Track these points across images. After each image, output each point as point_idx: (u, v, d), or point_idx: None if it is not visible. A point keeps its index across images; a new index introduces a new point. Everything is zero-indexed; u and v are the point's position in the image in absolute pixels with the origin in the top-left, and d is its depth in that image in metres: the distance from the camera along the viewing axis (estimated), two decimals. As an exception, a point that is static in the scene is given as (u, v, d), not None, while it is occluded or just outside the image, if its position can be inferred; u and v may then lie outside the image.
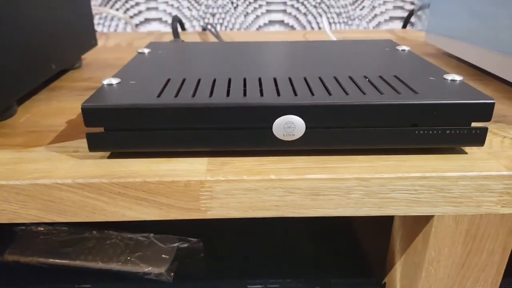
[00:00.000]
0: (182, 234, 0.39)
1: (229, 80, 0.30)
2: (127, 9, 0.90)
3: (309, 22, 1.00)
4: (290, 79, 0.30)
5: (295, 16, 0.99)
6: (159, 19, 0.93)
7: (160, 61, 0.36)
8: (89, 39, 0.49)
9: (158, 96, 0.27)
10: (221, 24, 0.96)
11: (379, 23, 0.99)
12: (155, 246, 0.37)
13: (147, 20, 0.92)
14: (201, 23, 0.93)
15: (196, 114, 0.26)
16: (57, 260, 0.36)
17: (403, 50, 0.39)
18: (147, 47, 0.41)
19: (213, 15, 0.96)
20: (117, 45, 0.63)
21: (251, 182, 0.25)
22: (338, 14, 1.00)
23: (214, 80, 0.30)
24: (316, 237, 0.40)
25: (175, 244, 0.38)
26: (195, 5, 0.94)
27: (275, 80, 0.30)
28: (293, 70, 0.33)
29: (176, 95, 0.27)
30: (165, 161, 0.27)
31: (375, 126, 0.26)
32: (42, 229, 0.39)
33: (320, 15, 0.99)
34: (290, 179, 0.25)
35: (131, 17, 0.91)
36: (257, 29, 0.97)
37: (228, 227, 0.42)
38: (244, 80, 0.30)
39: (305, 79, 0.30)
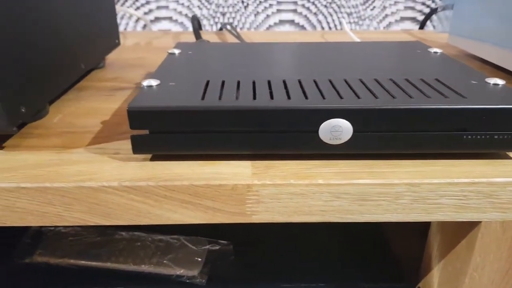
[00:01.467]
0: (209, 236, 0.39)
1: (269, 82, 0.30)
2: (138, 8, 0.90)
3: (320, 22, 0.99)
4: (330, 81, 0.30)
5: (305, 16, 0.98)
6: (169, 18, 0.93)
7: (192, 62, 0.36)
8: (113, 38, 0.49)
9: (203, 98, 0.27)
10: (230, 24, 0.95)
11: (389, 24, 0.99)
12: (186, 248, 0.37)
13: (157, 19, 0.92)
14: (211, 22, 0.93)
15: (241, 117, 0.26)
16: (88, 262, 0.36)
17: (436, 53, 0.39)
18: (176, 47, 0.40)
19: (223, 14, 0.96)
20: (136, 45, 0.62)
21: (299, 186, 0.25)
22: (349, 14, 1.00)
23: (254, 82, 0.30)
24: (347, 240, 0.40)
25: (206, 247, 0.37)
26: (206, 4, 0.94)
27: (315, 82, 0.30)
28: (330, 72, 0.32)
29: (220, 98, 0.27)
30: (208, 164, 0.27)
31: (423, 130, 0.26)
32: (70, 230, 0.39)
33: (331, 15, 0.99)
34: (339, 184, 0.25)
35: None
36: (267, 28, 0.97)
37: (255, 229, 0.41)
38: (284, 82, 0.30)
39: (345, 81, 0.30)
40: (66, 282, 0.35)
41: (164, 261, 0.35)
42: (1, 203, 0.25)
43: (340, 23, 0.96)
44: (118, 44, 0.51)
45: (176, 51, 0.39)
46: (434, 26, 0.90)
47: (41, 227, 0.40)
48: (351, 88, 0.29)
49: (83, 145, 0.30)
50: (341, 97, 0.27)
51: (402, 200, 0.26)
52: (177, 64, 0.35)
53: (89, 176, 0.25)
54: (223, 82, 0.30)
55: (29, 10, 0.30)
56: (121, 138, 0.31)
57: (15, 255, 0.38)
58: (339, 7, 0.99)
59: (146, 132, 0.26)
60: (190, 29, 0.90)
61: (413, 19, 0.96)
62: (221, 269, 0.36)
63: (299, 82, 0.30)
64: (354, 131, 0.26)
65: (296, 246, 0.40)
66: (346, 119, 0.25)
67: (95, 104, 0.37)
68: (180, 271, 0.35)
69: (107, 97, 0.39)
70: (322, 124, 0.26)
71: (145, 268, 0.35)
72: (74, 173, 0.26)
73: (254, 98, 0.27)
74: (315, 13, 0.98)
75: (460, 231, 0.30)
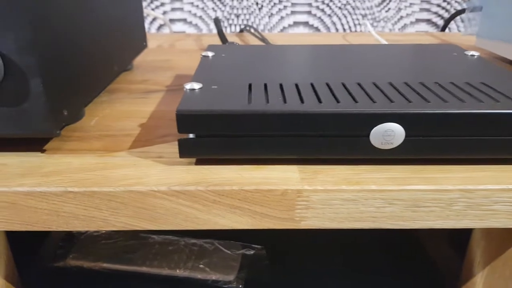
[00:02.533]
0: (239, 239, 0.39)
1: (312, 85, 0.29)
2: (152, 10, 0.90)
3: (334, 24, 0.99)
4: (375, 84, 0.29)
5: (320, 18, 0.98)
6: (184, 20, 0.93)
7: (228, 64, 0.35)
8: (141, 40, 0.48)
9: (249, 102, 0.26)
10: (251, 26, 0.95)
11: (404, 25, 0.98)
12: (221, 253, 0.36)
13: (171, 21, 0.92)
14: (225, 24, 0.93)
15: (290, 121, 0.25)
16: (122, 266, 0.35)
17: (473, 55, 0.38)
18: (208, 50, 0.40)
19: (238, 16, 0.95)
20: (159, 47, 0.62)
21: (351, 192, 0.25)
22: (364, 16, 0.99)
23: (296, 85, 0.29)
24: (382, 247, 0.39)
25: (240, 251, 0.37)
26: (220, 6, 0.94)
27: (359, 85, 0.29)
28: (372, 74, 0.32)
29: (267, 101, 0.26)
30: (254, 168, 0.26)
31: (475, 135, 0.26)
32: (102, 233, 0.39)
33: (345, 17, 0.98)
34: (392, 190, 0.25)
35: (154, 18, 0.91)
36: (281, 30, 0.96)
37: (286, 232, 0.41)
38: (327, 84, 0.29)
39: (391, 84, 0.29)
40: (100, 287, 0.35)
41: (200, 266, 0.35)
42: (48, 207, 0.25)
43: (361, 24, 0.95)
44: (146, 46, 0.50)
45: (210, 54, 0.38)
46: (450, 29, 0.89)
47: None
48: (398, 91, 0.28)
49: (125, 148, 0.29)
50: (391, 101, 0.26)
51: (456, 206, 0.25)
52: (214, 67, 0.34)
53: (136, 180, 0.25)
54: (265, 85, 0.29)
55: (72, 15, 0.29)
56: (162, 141, 0.30)
57: (46, 259, 0.37)
58: (353, 9, 0.98)
59: (193, 135, 0.26)
60: (204, 31, 0.90)
61: (428, 21, 0.95)
62: (256, 275, 0.36)
63: (343, 85, 0.29)
64: (406, 135, 0.25)
65: (330, 251, 0.39)
66: (399, 124, 0.25)
67: (130, 106, 0.37)
68: (216, 276, 0.34)
69: (140, 100, 0.39)
70: (374, 129, 0.25)
71: (180, 272, 0.35)
72: (121, 177, 0.25)
73: (302, 101, 0.26)
74: (329, 15, 0.97)
75: (509, 237, 0.29)
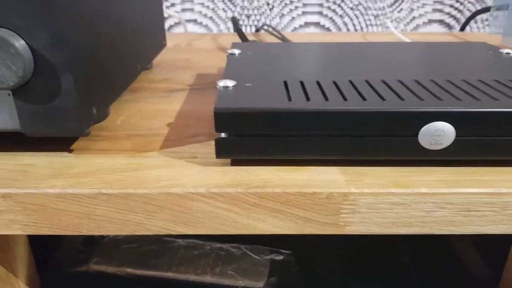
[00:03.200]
0: (264, 244, 0.37)
1: (351, 82, 0.28)
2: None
3: (345, 24, 0.97)
4: (417, 82, 0.28)
5: (331, 18, 0.96)
6: (194, 21, 0.91)
7: (257, 62, 0.34)
8: (161, 39, 0.47)
9: (289, 100, 0.25)
10: (255, 26, 0.94)
11: (417, 26, 0.97)
12: (249, 258, 0.35)
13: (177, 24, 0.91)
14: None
15: (334, 120, 0.24)
16: (148, 272, 0.34)
17: (508, 53, 0.37)
18: (234, 48, 0.39)
19: (248, 16, 0.94)
20: (176, 46, 0.61)
21: (400, 195, 0.23)
22: (376, 16, 0.97)
23: (335, 82, 0.28)
24: (415, 253, 0.38)
25: (269, 256, 0.35)
26: (231, 6, 0.92)
27: (401, 82, 0.28)
28: (410, 72, 0.30)
29: (308, 99, 0.25)
30: (293, 169, 0.25)
31: (530, 135, 0.24)
32: (125, 237, 0.38)
33: (357, 17, 0.97)
34: (443, 193, 0.23)
35: (165, 18, 0.90)
36: (292, 30, 0.95)
37: (311, 237, 0.40)
38: (367, 82, 0.28)
39: (434, 81, 0.28)
40: (124, 292, 0.34)
41: (228, 271, 0.34)
42: (80, 210, 0.24)
43: (372, 25, 0.94)
44: (165, 45, 0.49)
45: (236, 51, 0.37)
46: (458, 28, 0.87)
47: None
48: (444, 89, 0.27)
49: (155, 148, 0.28)
50: (439, 99, 0.25)
51: (510, 210, 0.24)
52: (243, 64, 0.33)
53: (173, 181, 0.24)
54: (302, 83, 0.28)
55: (100, 11, 0.28)
56: (193, 141, 0.29)
57: (67, 263, 0.36)
58: (365, 9, 0.97)
59: (231, 135, 0.25)
60: (215, 31, 0.89)
61: (441, 22, 0.94)
62: (286, 281, 0.34)
63: (384, 82, 0.28)
64: (457, 135, 0.24)
65: (359, 256, 0.38)
66: (450, 123, 0.24)
67: (155, 105, 0.36)
68: (245, 282, 0.33)
69: (164, 99, 0.37)
70: (423, 128, 0.24)
71: (208, 278, 0.33)
72: (156, 179, 0.24)
73: (344, 99, 0.25)
74: (340, 16, 0.96)
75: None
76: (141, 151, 0.28)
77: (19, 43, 0.22)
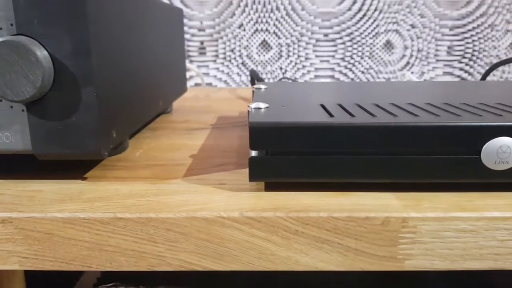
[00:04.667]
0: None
1: (394, 104, 0.26)
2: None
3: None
4: (466, 104, 0.26)
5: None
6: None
7: (287, 93, 0.32)
8: (182, 83, 0.46)
9: (331, 116, 0.22)
10: (288, 78, 0.94)
11: (430, 89, 0.96)
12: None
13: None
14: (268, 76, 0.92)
15: (384, 136, 0.21)
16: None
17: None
18: (260, 84, 0.37)
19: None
20: (194, 96, 0.60)
21: (469, 220, 0.20)
22: (387, 80, 0.98)
23: (377, 105, 0.26)
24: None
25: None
26: (244, 70, 0.94)
27: (449, 104, 0.25)
28: (455, 97, 0.28)
29: (352, 116, 0.22)
30: (339, 195, 0.22)
31: None
32: (135, 289, 0.33)
33: (368, 80, 0.97)
34: (519, 218, 0.20)
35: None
36: (305, 94, 0.95)
37: (329, 278, 0.35)
38: (412, 104, 0.26)
39: (483, 103, 0.26)
40: None
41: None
42: (90, 238, 0.20)
43: (388, 79, 0.94)
44: (186, 90, 0.48)
45: (262, 87, 0.35)
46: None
47: (97, 285, 0.35)
48: (499, 108, 0.24)
49: (178, 176, 0.25)
50: (498, 115, 0.22)
51: None
52: (272, 95, 0.31)
53: (200, 206, 0.21)
54: (340, 105, 0.26)
55: (128, 34, 0.27)
56: (220, 170, 0.26)
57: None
58: (376, 73, 0.97)
59: (267, 153, 0.22)
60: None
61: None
62: None
63: (430, 104, 0.26)
64: (525, 153, 0.21)
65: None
66: (516, 138, 0.21)
67: (176, 141, 0.33)
68: None
69: (186, 136, 0.35)
70: (486, 144, 0.21)
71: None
72: (181, 203, 0.21)
73: (394, 115, 0.22)
74: (352, 79, 0.97)
75: None
76: (163, 178, 0.25)
77: (41, 52, 0.21)
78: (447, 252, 0.20)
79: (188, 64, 0.71)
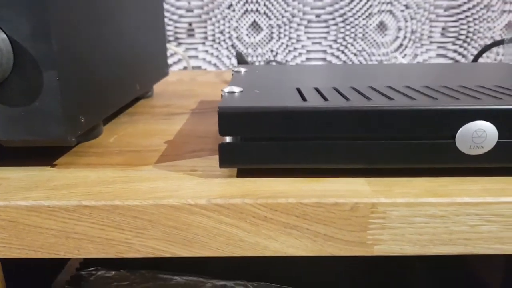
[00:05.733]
0: (275, 281, 0.33)
1: (372, 88, 0.25)
2: (171, 55, 0.88)
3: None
4: (446, 87, 0.25)
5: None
6: (198, 67, 0.91)
7: (265, 76, 0.31)
8: (163, 67, 0.45)
9: (304, 100, 0.22)
10: (276, 60, 0.93)
11: (422, 71, 0.96)
12: (256, 298, 0.30)
13: (185, 69, 0.90)
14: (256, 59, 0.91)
15: (357, 120, 0.21)
16: (139, 314, 0.29)
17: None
18: (240, 67, 0.36)
19: (252, 63, 0.94)
20: (179, 80, 0.59)
21: (440, 205, 0.19)
22: (380, 62, 0.97)
23: (355, 88, 0.25)
24: (434, 279, 0.33)
25: (280, 296, 0.31)
26: (234, 53, 0.93)
27: (428, 87, 0.25)
28: (435, 79, 0.27)
29: (326, 100, 0.22)
30: (311, 181, 0.21)
31: None
32: (115, 274, 0.33)
33: (361, 63, 0.96)
34: (489, 203, 0.19)
35: (170, 65, 0.90)
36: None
37: (330, 271, 0.35)
38: (390, 87, 0.25)
39: (463, 86, 0.25)
40: None
41: (232, 313, 0.29)
42: (56, 226, 0.20)
43: (381, 62, 0.93)
44: (167, 73, 0.47)
45: (242, 70, 0.35)
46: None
47: (80, 269, 0.34)
48: (479, 91, 0.24)
49: (150, 162, 0.25)
50: (476, 98, 0.22)
51: None
52: (250, 78, 0.31)
53: (169, 193, 0.20)
54: (317, 89, 0.25)
55: (94, 15, 0.26)
56: (193, 156, 0.26)
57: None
58: (369, 55, 0.97)
59: (237, 139, 0.21)
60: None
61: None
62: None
63: (409, 87, 0.25)
64: (499, 137, 0.20)
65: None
66: (491, 122, 0.20)
67: (153, 126, 0.33)
68: (252, 326, 0.28)
69: (165, 121, 0.35)
70: (462, 129, 0.20)
71: (209, 321, 0.29)
72: (149, 190, 0.21)
73: (368, 99, 0.22)
74: (344, 62, 0.96)
75: None
76: (134, 165, 0.24)
77: (-1, 35, 0.20)
78: (417, 237, 0.20)
79: (173, 47, 0.70)
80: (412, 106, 0.20)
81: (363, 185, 0.21)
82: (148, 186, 0.21)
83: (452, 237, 0.20)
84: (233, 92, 0.24)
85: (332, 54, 0.94)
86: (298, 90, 0.25)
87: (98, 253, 0.20)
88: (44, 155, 0.26)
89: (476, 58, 0.72)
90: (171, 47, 0.67)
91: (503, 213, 0.19)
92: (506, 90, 0.24)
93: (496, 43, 0.67)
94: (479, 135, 0.20)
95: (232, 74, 0.34)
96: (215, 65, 0.90)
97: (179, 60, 0.88)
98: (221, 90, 0.25)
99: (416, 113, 0.20)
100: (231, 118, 0.21)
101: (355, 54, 0.95)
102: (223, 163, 0.21)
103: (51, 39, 0.20)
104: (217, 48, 0.90)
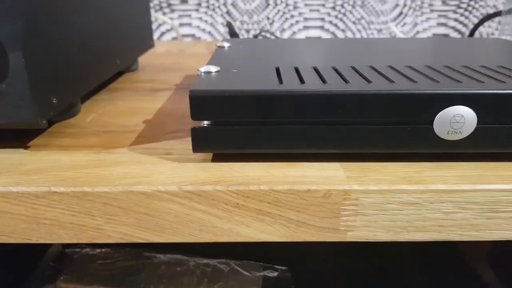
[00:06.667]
0: (258, 258, 0.33)
1: (353, 68, 0.24)
2: (160, 25, 0.86)
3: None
4: (430, 67, 0.24)
5: (333, 33, 0.94)
6: (192, 35, 0.89)
7: (248, 53, 0.31)
8: (147, 39, 0.44)
9: (281, 82, 0.21)
10: (267, 30, 0.91)
11: (422, 40, 0.93)
12: (238, 275, 0.31)
13: (176, 39, 0.88)
14: (246, 36, 0.89)
15: (333, 104, 0.20)
16: (122, 291, 0.30)
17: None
18: (224, 41, 0.35)
19: (248, 31, 0.92)
20: (167, 52, 0.58)
21: (413, 193, 0.19)
22: (379, 31, 0.95)
23: (335, 68, 0.24)
24: (423, 263, 0.33)
25: (261, 273, 0.31)
26: (230, 21, 0.90)
27: (411, 67, 0.24)
28: (421, 59, 0.27)
29: (303, 82, 0.21)
30: (286, 165, 0.21)
31: None
32: (99, 252, 0.33)
33: (360, 32, 0.94)
34: (464, 190, 0.19)
35: (163, 32, 0.87)
36: (293, 45, 0.92)
37: (315, 250, 0.35)
38: (372, 67, 0.24)
39: (448, 67, 0.24)
40: (95, 315, 0.29)
41: (214, 291, 0.29)
42: (27, 212, 0.20)
43: (380, 30, 0.91)
44: (152, 45, 0.46)
45: (226, 44, 0.34)
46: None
47: (65, 247, 0.35)
48: (462, 73, 0.23)
49: (125, 145, 0.24)
50: (457, 81, 0.21)
51: (547, 212, 0.19)
52: (231, 55, 0.30)
53: (140, 179, 0.20)
54: (296, 69, 0.24)
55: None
56: (171, 137, 0.25)
57: (34, 280, 0.32)
58: (368, 24, 0.94)
59: (210, 123, 0.21)
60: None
61: (446, 36, 0.91)
62: (281, 301, 0.30)
63: (392, 67, 0.24)
64: (478, 123, 0.20)
65: (363, 269, 0.33)
66: (470, 107, 0.20)
67: (133, 104, 0.32)
68: (233, 303, 0.29)
69: (146, 98, 0.34)
70: (440, 113, 0.20)
71: (190, 298, 0.29)
72: (120, 176, 0.20)
73: (346, 82, 0.21)
74: (343, 30, 0.93)
75: None
76: (109, 147, 0.24)
77: (-41, 14, 0.19)
78: (390, 224, 0.20)
79: (161, 16, 0.68)
80: (388, 90, 0.20)
81: (338, 170, 0.21)
82: (119, 171, 0.21)
83: (426, 224, 0.20)
84: (209, 72, 0.24)
85: (330, 22, 0.91)
86: (277, 70, 0.24)
87: (70, 238, 0.20)
88: (19, 135, 0.25)
89: (473, 31, 0.70)
90: (159, 16, 0.65)
91: (478, 201, 0.19)
92: (491, 72, 0.23)
93: (493, 15, 0.65)
94: (457, 120, 0.20)
95: (216, 48, 0.33)
96: (209, 33, 0.88)
97: (171, 29, 0.86)
98: (198, 69, 0.24)
99: (392, 98, 0.20)
100: (203, 102, 0.20)
101: (353, 22, 0.92)
102: (196, 148, 0.21)
103: (14, 18, 0.19)
104: (211, 15, 0.87)
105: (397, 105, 0.20)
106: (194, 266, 0.31)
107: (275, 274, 0.31)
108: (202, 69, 0.24)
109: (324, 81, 0.21)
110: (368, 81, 0.21)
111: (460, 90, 0.20)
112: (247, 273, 0.31)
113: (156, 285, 0.30)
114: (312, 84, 0.21)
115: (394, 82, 0.21)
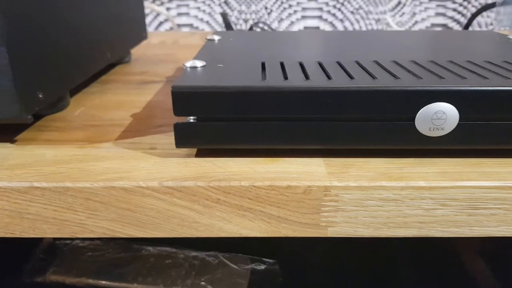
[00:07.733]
0: (250, 252, 0.33)
1: (339, 63, 0.24)
2: (157, 15, 0.86)
3: (346, 29, 0.94)
4: (415, 62, 0.24)
5: (331, 23, 0.93)
6: (190, 25, 0.89)
7: (237, 47, 0.30)
8: (140, 31, 0.44)
9: (264, 79, 0.21)
10: (263, 22, 0.90)
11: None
12: (226, 268, 0.31)
13: (178, 26, 0.87)
14: (244, 26, 0.88)
15: (315, 101, 0.20)
16: (110, 282, 0.30)
17: (517, 40, 0.33)
18: (215, 34, 0.35)
19: (246, 21, 0.91)
20: (161, 43, 0.58)
21: (393, 189, 0.19)
22: (377, 21, 0.94)
23: (320, 64, 0.24)
24: (412, 256, 0.34)
25: (249, 266, 0.31)
26: (228, 10, 0.90)
27: (396, 62, 0.24)
28: (407, 54, 0.27)
29: (286, 78, 0.21)
30: (268, 161, 0.21)
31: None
32: (89, 244, 0.34)
33: (358, 22, 0.94)
34: (445, 187, 0.19)
35: (161, 22, 0.87)
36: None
37: (305, 244, 0.35)
38: (357, 62, 0.24)
39: (434, 62, 0.24)
40: (84, 306, 0.30)
41: (201, 283, 0.30)
42: (10, 207, 0.20)
43: (378, 20, 0.90)
44: (145, 37, 0.46)
45: (216, 38, 0.34)
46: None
47: (55, 240, 0.35)
48: (445, 68, 0.23)
49: (111, 139, 0.24)
50: (440, 77, 0.21)
51: (526, 209, 0.20)
52: (220, 49, 0.30)
53: (121, 174, 0.20)
54: (282, 64, 0.24)
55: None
56: (156, 132, 0.25)
57: (25, 273, 0.32)
58: (366, 14, 0.93)
59: (193, 119, 0.21)
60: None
61: (444, 26, 0.91)
62: (268, 294, 0.30)
63: (377, 62, 0.24)
64: (460, 119, 0.20)
65: (352, 263, 0.33)
66: (452, 104, 0.20)
67: (123, 97, 0.32)
68: (220, 296, 0.29)
69: (136, 90, 0.34)
70: (421, 110, 0.20)
71: (178, 291, 0.29)
72: (102, 171, 0.20)
73: (329, 78, 0.21)
74: (341, 20, 0.93)
75: None
76: (94, 141, 0.24)
77: None
78: (371, 220, 0.20)
79: (155, 7, 0.68)
80: (370, 87, 0.20)
81: (320, 166, 0.21)
82: (102, 167, 0.21)
83: (407, 220, 0.20)
84: (195, 67, 0.24)
85: (329, 12, 0.91)
86: (263, 65, 0.24)
87: (53, 233, 0.20)
88: (7, 129, 0.25)
89: (468, 23, 0.70)
90: (153, 7, 0.65)
91: (458, 197, 0.19)
92: (477, 67, 0.23)
93: (489, 6, 0.64)
94: (439, 117, 0.20)
95: (205, 41, 0.33)
96: (207, 22, 0.87)
97: (167, 20, 0.85)
98: (183, 64, 0.24)
99: (374, 94, 0.20)
100: (185, 98, 0.20)
101: (352, 12, 0.92)
102: (178, 143, 0.21)
103: (-4, 13, 0.19)
104: (209, 5, 0.87)
105: (378, 101, 0.20)
106: (183, 259, 0.32)
107: (263, 267, 0.31)
108: (188, 64, 0.24)
109: (307, 77, 0.21)
110: (351, 77, 0.21)
111: (441, 87, 0.20)
112: (235, 266, 0.31)
113: (144, 277, 0.30)
114: (295, 80, 0.21)
115: (376, 78, 0.21)
